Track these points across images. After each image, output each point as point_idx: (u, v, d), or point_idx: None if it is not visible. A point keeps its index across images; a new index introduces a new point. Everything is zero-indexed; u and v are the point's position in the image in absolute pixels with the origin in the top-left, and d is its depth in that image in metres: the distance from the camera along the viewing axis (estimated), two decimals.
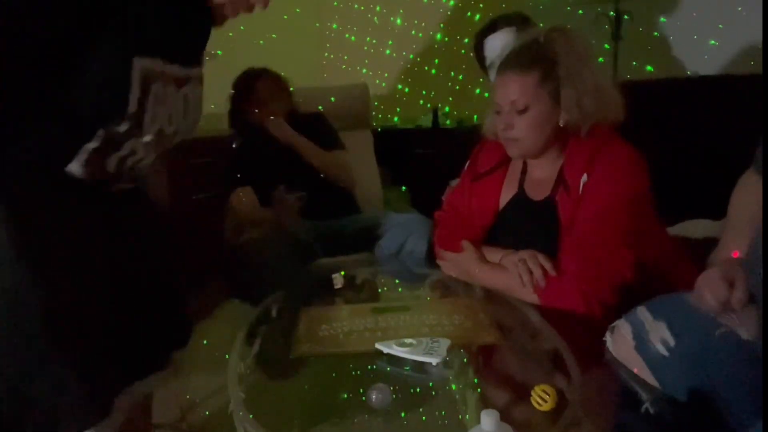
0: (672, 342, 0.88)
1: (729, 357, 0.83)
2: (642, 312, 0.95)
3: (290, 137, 2.00)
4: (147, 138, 0.88)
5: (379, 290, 1.51)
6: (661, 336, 0.89)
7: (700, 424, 0.84)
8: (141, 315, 0.93)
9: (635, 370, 0.92)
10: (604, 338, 1.00)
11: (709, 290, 0.85)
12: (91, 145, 0.83)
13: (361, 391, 0.86)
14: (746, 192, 1.01)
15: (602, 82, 1.26)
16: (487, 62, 1.77)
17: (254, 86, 2.15)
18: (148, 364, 0.96)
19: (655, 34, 2.53)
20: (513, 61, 1.29)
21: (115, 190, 0.94)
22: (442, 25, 3.17)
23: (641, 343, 0.91)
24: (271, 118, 2.02)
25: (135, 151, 0.90)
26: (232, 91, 2.22)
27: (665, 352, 0.88)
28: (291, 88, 2.25)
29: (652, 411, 0.86)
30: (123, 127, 0.84)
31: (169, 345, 1.02)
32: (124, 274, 0.92)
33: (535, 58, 1.26)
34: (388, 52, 3.27)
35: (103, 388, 0.83)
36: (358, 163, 2.28)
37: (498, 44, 1.69)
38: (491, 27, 1.77)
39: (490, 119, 1.38)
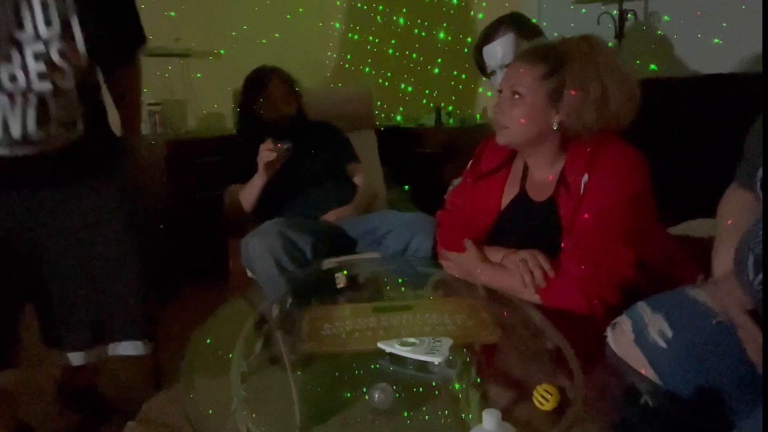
0: (670, 333, 0.89)
1: (725, 347, 0.83)
2: (641, 306, 0.96)
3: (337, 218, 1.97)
4: None
5: (382, 289, 1.51)
6: (659, 328, 0.90)
7: (698, 415, 0.85)
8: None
9: (635, 365, 0.92)
10: (605, 333, 1.00)
11: None
12: None
13: (364, 390, 0.86)
14: (734, 206, 1.01)
15: (614, 93, 1.21)
16: (489, 70, 1.75)
17: (266, 86, 2.15)
18: None
19: (659, 32, 2.52)
20: (525, 53, 1.31)
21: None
22: (445, 24, 3.17)
23: (640, 336, 0.92)
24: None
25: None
26: (243, 89, 2.23)
27: (663, 344, 0.89)
28: (297, 89, 2.25)
29: (650, 404, 0.86)
30: None
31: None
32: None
33: (547, 55, 1.26)
34: (390, 51, 3.27)
35: None
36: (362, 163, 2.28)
37: (498, 52, 1.68)
38: (488, 36, 1.74)
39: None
